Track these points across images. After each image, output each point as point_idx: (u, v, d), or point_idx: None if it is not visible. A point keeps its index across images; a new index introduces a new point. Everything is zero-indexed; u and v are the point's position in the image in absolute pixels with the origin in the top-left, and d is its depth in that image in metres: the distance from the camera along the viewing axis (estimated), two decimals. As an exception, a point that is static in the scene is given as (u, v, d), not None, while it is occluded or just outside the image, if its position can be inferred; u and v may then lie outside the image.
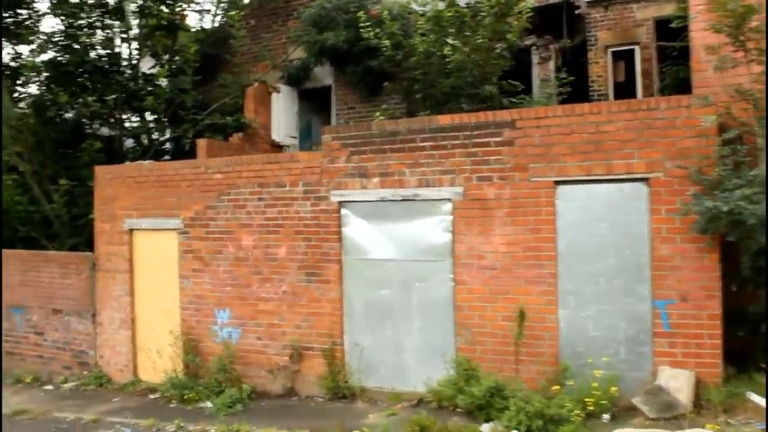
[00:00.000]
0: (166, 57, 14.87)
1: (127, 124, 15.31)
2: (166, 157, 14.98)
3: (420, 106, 12.57)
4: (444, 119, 9.06)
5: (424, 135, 9.05)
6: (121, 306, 11.33)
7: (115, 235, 11.38)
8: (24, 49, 15.15)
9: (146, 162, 11.79)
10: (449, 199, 8.92)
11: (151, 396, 10.70)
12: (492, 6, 11.18)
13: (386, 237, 9.36)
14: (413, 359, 9.26)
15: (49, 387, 11.94)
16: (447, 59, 11.31)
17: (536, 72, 13.91)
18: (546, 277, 8.43)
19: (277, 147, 14.23)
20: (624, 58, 14.38)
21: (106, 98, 14.31)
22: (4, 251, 12.85)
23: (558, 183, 8.40)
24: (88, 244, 13.40)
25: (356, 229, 9.52)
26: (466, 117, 8.95)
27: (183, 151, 14.18)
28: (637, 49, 14.13)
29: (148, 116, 14.99)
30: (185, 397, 10.04)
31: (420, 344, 9.21)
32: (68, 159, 14.54)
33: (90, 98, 14.37)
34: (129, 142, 15.45)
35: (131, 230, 11.23)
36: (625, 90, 13.79)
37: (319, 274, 9.69)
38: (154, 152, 14.35)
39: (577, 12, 13.85)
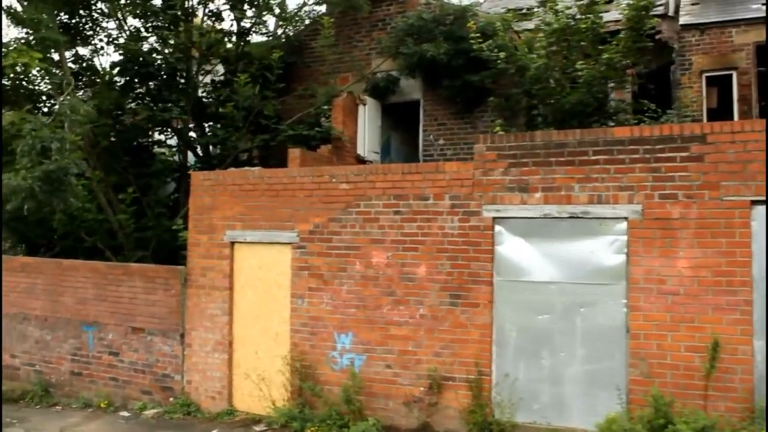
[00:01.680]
0: (240, 64, 13.96)
1: (191, 134, 14.32)
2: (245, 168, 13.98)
3: (530, 123, 11.92)
4: (621, 131, 8.33)
5: (597, 148, 8.30)
6: (217, 326, 10.25)
7: (213, 248, 10.34)
8: (85, 51, 14.12)
9: (255, 168, 10.82)
10: (625, 218, 8.15)
11: (256, 427, 9.60)
12: (629, 20, 10.62)
13: (547, 257, 8.53)
14: (574, 392, 8.38)
15: (125, 413, 10.75)
16: (576, 73, 10.68)
17: (611, 95, 13.37)
18: (739, 305, 7.67)
19: (362, 162, 13.38)
20: (718, 83, 13.97)
21: (173, 105, 13.32)
22: (77, 262, 11.69)
23: (754, 203, 7.70)
24: (155, 259, 12.34)
25: (512, 247, 8.68)
26: (648, 130, 8.24)
27: (264, 163, 13.24)
28: (735, 75, 13.72)
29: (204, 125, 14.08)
30: (306, 430, 8.97)
31: (583, 375, 8.34)
32: (135, 167, 13.49)
33: (157, 105, 13.38)
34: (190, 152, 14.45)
35: (233, 243, 10.22)
36: (718, 116, 13.34)
37: (465, 297, 8.80)
38: (230, 163, 13.34)
39: (658, 37, 13.35)
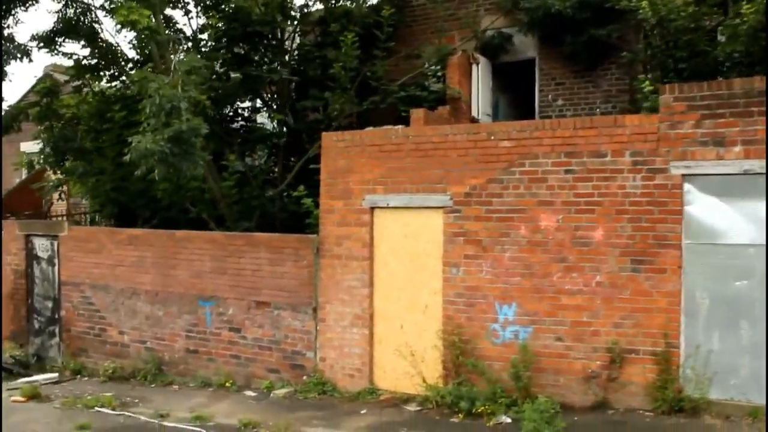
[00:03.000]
0: (340, 23, 13.09)
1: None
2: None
3: (669, 78, 11.01)
4: (839, 75, 7.48)
5: (809, 94, 7.45)
6: (355, 299, 9.53)
7: (349, 214, 9.60)
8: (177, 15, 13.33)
9: (398, 127, 10.02)
10: (842, 172, 7.32)
11: (408, 407, 8.90)
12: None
13: (746, 217, 7.71)
14: (779, 366, 7.60)
15: (251, 392, 10.10)
16: (735, 20, 9.75)
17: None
18: None
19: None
20: None
21: (279, 65, 12.52)
22: (192, 233, 11.02)
23: None
24: (260, 230, 11.62)
25: (704, 207, 7.86)
26: None
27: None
28: None
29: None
30: (474, 410, 8.24)
31: (790, 348, 7.56)
32: (236, 134, 12.74)
33: (260, 66, 12.58)
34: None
35: (372, 209, 9.46)
36: None
37: (650, 262, 8.01)
38: (324, 129, 12.50)
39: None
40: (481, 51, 13.02)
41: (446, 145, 9.01)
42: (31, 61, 11.85)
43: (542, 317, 8.48)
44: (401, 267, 9.31)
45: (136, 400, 10.14)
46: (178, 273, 10.96)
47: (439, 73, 12.79)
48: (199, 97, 9.44)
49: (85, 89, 13.34)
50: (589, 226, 8.27)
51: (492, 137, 8.77)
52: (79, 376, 11.99)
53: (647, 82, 9.96)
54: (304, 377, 9.82)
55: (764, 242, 7.59)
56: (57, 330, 12.55)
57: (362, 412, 8.90)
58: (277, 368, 10.13)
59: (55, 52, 12.65)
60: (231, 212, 12.24)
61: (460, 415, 8.32)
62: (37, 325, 12.88)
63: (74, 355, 12.22)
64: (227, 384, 10.39)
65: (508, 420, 8.05)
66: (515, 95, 13.74)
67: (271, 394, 9.90)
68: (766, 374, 7.38)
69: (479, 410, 8.24)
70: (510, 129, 8.74)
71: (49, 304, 12.68)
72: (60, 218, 15.26)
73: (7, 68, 11.87)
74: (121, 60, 12.77)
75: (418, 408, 8.83)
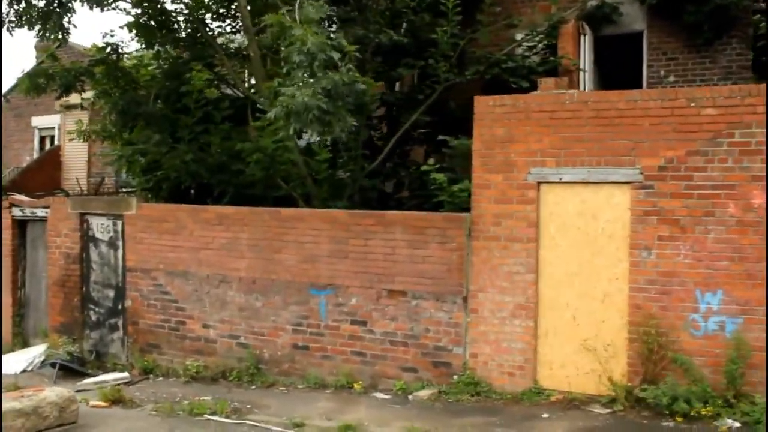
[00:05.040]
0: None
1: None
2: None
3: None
4: None
5: None
6: (517, 286, 8.37)
7: (510, 190, 8.42)
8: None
9: (572, 91, 8.87)
10: None
11: (594, 409, 7.80)
12: None
13: None
14: None
15: (382, 395, 8.82)
16: None
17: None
18: None
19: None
20: None
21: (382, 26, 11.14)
22: (303, 211, 9.70)
23: None
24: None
25: None
26: None
27: (444, 105, 11.26)
28: None
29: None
30: (695, 411, 7.21)
31: None
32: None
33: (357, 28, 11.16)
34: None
35: (539, 183, 8.31)
36: None
37: None
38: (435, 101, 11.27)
39: None
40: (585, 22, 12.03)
41: (635, 113, 7.93)
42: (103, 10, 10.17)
43: (754, 306, 7.51)
44: (574, 250, 8.21)
45: (248, 406, 8.71)
46: (284, 257, 9.55)
47: (542, 44, 11.74)
48: (349, 47, 8.04)
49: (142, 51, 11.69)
50: (815, 204, 7.35)
51: (692, 104, 7.73)
52: (151, 375, 10.43)
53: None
54: (455, 377, 8.58)
55: None
56: (120, 322, 10.90)
57: (544, 416, 7.75)
58: (414, 366, 8.86)
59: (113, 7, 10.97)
60: (321, 190, 10.87)
61: (675, 418, 7.26)
62: (94, 317, 11.17)
63: (143, 352, 10.63)
64: (349, 385, 9.06)
65: (737, 424, 7.05)
66: (616, 70, 12.78)
67: (410, 397, 8.63)
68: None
69: (695, 412, 7.21)
70: (715, 95, 7.72)
71: (110, 293, 11.00)
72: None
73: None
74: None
75: (608, 410, 7.75)
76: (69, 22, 10.16)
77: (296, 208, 10.15)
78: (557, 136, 8.23)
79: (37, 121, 19.31)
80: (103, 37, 11.13)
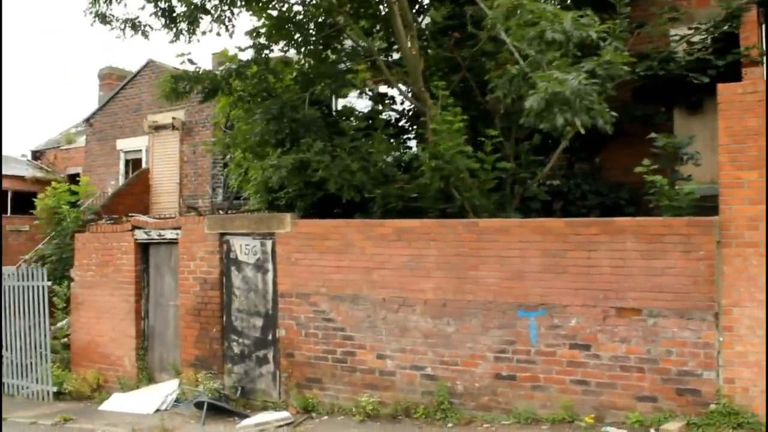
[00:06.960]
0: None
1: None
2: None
3: None
4: None
5: None
6: (783, 300, 7.24)
7: (768, 188, 7.33)
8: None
9: None
10: None
11: None
12: None
13: None
14: None
15: (613, 429, 7.60)
16: None
17: None
18: None
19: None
20: None
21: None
22: (508, 222, 8.60)
23: None
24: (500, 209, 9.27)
25: None
26: None
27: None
28: None
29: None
30: None
31: None
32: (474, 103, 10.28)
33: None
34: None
35: (810, 181, 7.23)
36: None
37: None
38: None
39: None
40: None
41: None
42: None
43: None
44: None
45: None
46: (482, 275, 8.38)
47: (712, 35, 10.72)
48: (597, 27, 6.94)
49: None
50: None
51: None
52: (313, 414, 9.17)
53: None
54: (710, 406, 7.39)
55: None
56: (271, 355, 9.63)
57: None
58: (652, 395, 7.67)
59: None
60: (483, 199, 9.70)
61: None
62: (237, 349, 9.89)
63: (300, 387, 9.37)
64: (570, 418, 7.86)
65: None
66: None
67: (653, 430, 7.43)
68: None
69: None
70: None
71: (258, 322, 9.74)
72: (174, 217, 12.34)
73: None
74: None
75: None
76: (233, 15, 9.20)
77: (494, 218, 8.97)
78: (833, 125, 7.16)
79: (123, 143, 18.24)
80: (252, 36, 9.97)
